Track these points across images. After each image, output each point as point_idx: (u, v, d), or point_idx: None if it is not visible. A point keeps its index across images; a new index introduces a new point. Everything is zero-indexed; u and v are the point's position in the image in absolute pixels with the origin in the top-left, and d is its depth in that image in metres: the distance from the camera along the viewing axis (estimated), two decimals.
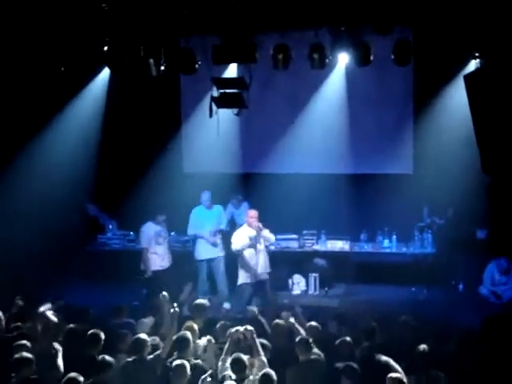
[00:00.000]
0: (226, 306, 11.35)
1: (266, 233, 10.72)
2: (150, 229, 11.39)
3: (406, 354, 7.37)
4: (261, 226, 10.61)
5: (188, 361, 7.20)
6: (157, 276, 11.26)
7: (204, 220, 11.57)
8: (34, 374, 6.93)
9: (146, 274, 11.33)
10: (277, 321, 8.38)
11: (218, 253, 11.58)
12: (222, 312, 10.92)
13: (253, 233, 10.63)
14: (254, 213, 10.74)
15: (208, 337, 7.88)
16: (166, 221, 11.44)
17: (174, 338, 7.47)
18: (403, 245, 12.51)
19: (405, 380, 6.64)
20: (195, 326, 8.03)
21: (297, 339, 7.53)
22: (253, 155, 13.39)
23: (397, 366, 6.99)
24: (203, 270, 11.62)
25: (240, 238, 10.65)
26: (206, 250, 11.59)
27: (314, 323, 8.32)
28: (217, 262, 11.58)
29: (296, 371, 7.27)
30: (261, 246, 10.70)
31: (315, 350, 7.46)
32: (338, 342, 7.67)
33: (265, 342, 7.69)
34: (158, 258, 11.38)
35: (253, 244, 10.62)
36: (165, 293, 8.38)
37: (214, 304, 11.22)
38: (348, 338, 7.67)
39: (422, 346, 7.33)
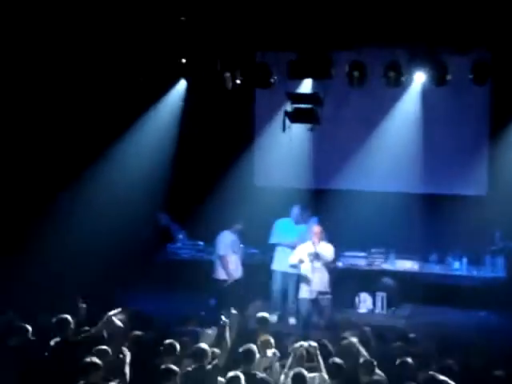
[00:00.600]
0: (292, 321, 11.32)
1: (322, 248, 10.61)
2: (226, 237, 11.49)
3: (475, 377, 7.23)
4: (317, 242, 10.56)
5: (253, 374, 7.23)
6: (233, 286, 11.33)
7: (289, 232, 11.51)
8: (101, 380, 7.00)
9: (227, 282, 11.40)
10: (346, 341, 8.30)
11: (294, 269, 11.27)
12: (287, 326, 10.90)
13: (312, 249, 10.62)
14: (316, 228, 10.73)
15: (273, 350, 7.88)
16: (241, 231, 11.50)
17: (241, 350, 7.49)
18: (474, 268, 12.28)
19: None
20: (271, 340, 8.02)
21: (361, 360, 7.45)
22: (324, 171, 13.38)
23: None
24: (277, 281, 11.50)
25: (297, 254, 10.67)
26: (284, 262, 11.40)
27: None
28: (291, 277, 11.38)
29: None
30: (317, 264, 10.62)
31: (378, 371, 7.38)
32: (398, 362, 7.57)
33: (338, 360, 7.65)
34: (235, 267, 11.46)
35: (310, 260, 10.56)
36: (233, 311, 8.34)
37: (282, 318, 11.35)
38: (410, 360, 7.56)
39: (498, 372, 7.18)
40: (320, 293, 10.66)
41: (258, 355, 7.48)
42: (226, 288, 11.40)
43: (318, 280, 10.63)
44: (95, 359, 7.06)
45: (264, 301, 11.69)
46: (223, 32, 9.86)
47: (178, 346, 7.66)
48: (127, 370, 7.15)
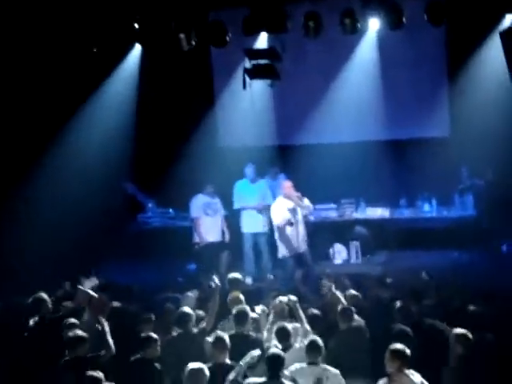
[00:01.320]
0: (270, 277, 11.31)
1: (306, 201, 10.62)
2: (198, 200, 11.40)
3: (454, 316, 7.32)
4: (300, 194, 10.53)
5: (246, 335, 7.25)
6: (206, 249, 11.27)
7: (248, 193, 11.49)
8: (87, 353, 6.97)
9: (198, 244, 11.34)
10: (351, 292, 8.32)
11: (264, 227, 11.42)
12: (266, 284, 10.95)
13: (290, 204, 10.52)
14: (289, 183, 10.67)
15: (261, 306, 7.90)
16: (216, 192, 11.43)
17: (234, 312, 7.49)
18: (444, 208, 12.42)
19: (470, 336, 6.64)
20: (241, 297, 8.05)
21: (339, 308, 7.49)
22: (287, 127, 13.33)
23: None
24: (248, 244, 11.50)
25: (280, 212, 10.53)
26: (251, 224, 11.46)
27: (353, 292, 8.27)
28: (262, 236, 11.44)
29: (337, 340, 7.25)
30: (298, 217, 10.58)
31: (356, 317, 7.45)
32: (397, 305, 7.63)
33: (316, 311, 7.72)
34: (207, 231, 11.37)
35: (291, 215, 10.50)
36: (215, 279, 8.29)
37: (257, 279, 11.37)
38: (398, 303, 7.65)
39: (471, 308, 7.28)
40: (304, 245, 10.65)
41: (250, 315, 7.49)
42: (200, 250, 11.35)
43: (302, 233, 10.61)
44: (80, 332, 7.03)
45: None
46: None
47: (153, 316, 7.67)
48: (110, 339, 7.12)
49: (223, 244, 11.50)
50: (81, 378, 6.58)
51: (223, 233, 11.52)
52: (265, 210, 11.29)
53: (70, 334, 7.05)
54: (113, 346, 7.09)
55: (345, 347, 7.14)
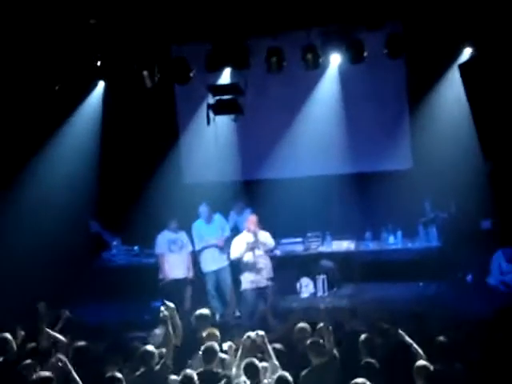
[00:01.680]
0: (237, 313, 11.30)
1: (263, 236, 10.61)
2: (163, 236, 11.39)
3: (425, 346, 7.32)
4: (257, 230, 10.53)
5: (216, 373, 7.20)
6: (170, 285, 11.20)
7: (206, 232, 11.49)
8: None
9: (162, 280, 11.27)
10: (301, 325, 8.27)
11: (225, 261, 11.45)
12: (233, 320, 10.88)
13: (251, 239, 10.56)
14: (252, 218, 10.71)
15: (229, 343, 7.84)
16: (180, 228, 11.40)
17: (202, 348, 7.42)
18: (409, 240, 12.46)
19: (431, 368, 6.63)
20: (216, 332, 7.98)
21: (308, 342, 7.43)
22: (252, 162, 13.35)
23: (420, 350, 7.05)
24: (210, 282, 11.49)
25: (237, 246, 10.61)
26: (213, 261, 11.46)
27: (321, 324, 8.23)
28: (223, 272, 11.46)
29: (310, 375, 7.17)
30: (259, 252, 10.60)
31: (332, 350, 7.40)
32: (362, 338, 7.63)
33: (278, 346, 7.66)
34: (171, 267, 11.31)
35: (251, 250, 10.53)
36: (168, 303, 8.23)
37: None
38: (363, 336, 7.65)
39: (440, 338, 7.30)
40: (267, 279, 10.61)
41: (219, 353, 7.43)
42: (164, 287, 11.26)
43: (263, 267, 10.60)
44: (46, 373, 6.91)
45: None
46: (136, 30, 9.72)
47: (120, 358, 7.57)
48: (76, 376, 7.00)
49: (187, 280, 11.44)
50: None
51: (188, 269, 11.45)
52: (226, 244, 11.35)
53: (36, 375, 6.95)
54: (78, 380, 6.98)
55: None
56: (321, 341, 7.40)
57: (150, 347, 7.56)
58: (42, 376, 6.88)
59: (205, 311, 8.77)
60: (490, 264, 11.65)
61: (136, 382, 7.27)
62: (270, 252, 10.98)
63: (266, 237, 10.70)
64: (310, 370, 7.19)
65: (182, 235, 11.48)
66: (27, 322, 9.17)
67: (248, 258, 10.57)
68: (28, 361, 7.43)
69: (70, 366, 7.06)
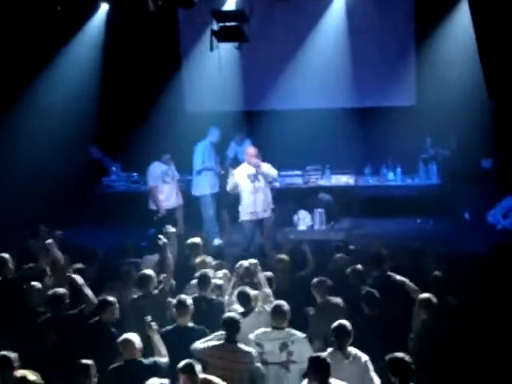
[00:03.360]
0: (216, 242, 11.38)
1: (266, 168, 10.44)
2: (156, 168, 11.30)
3: (420, 281, 7.37)
4: (259, 162, 10.42)
5: (210, 299, 7.30)
6: (165, 216, 11.15)
7: (210, 155, 11.60)
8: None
9: (158, 213, 11.27)
10: (281, 256, 8.40)
11: (217, 188, 11.64)
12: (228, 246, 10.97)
13: (251, 170, 10.40)
14: (252, 150, 10.54)
15: (224, 271, 7.88)
16: (172, 160, 11.32)
17: (197, 275, 7.52)
18: (408, 177, 12.49)
19: (434, 300, 6.68)
20: (208, 259, 8.04)
21: (314, 281, 7.41)
22: (254, 92, 13.21)
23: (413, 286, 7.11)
24: (209, 205, 11.58)
25: (236, 178, 10.46)
26: (211, 185, 11.59)
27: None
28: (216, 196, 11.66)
29: (319, 313, 7.23)
30: (260, 184, 10.40)
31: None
32: (348, 270, 7.70)
33: (269, 274, 7.72)
34: (166, 198, 11.29)
35: (252, 181, 10.42)
36: (169, 229, 8.25)
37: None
38: (359, 266, 7.70)
39: (436, 272, 7.34)
40: (265, 211, 10.61)
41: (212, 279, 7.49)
42: (159, 218, 11.29)
43: (262, 200, 10.48)
44: (61, 290, 7.06)
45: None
46: None
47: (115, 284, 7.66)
48: (89, 291, 7.12)
49: (179, 209, 11.46)
50: (65, 336, 6.72)
51: (178, 197, 11.48)
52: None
53: (52, 292, 7.06)
54: (94, 298, 7.08)
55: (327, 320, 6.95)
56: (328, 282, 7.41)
57: (147, 271, 7.61)
58: (57, 293, 7.03)
59: (196, 239, 8.80)
60: (488, 203, 11.67)
61: (133, 305, 7.37)
62: (272, 183, 10.92)
63: (267, 167, 10.56)
64: (318, 308, 7.26)
65: (172, 166, 11.41)
66: (25, 243, 9.32)
67: (248, 189, 10.41)
68: (33, 282, 7.49)
69: (81, 282, 7.15)
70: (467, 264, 7.92)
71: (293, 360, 6.40)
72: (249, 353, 6.30)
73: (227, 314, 6.50)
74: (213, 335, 6.53)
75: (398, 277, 7.49)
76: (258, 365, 6.34)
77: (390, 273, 7.62)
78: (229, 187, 10.56)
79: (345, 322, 6.26)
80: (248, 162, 10.51)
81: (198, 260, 8.09)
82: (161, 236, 7.96)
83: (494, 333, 6.65)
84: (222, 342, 6.35)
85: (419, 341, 6.59)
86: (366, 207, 12.09)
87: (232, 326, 6.35)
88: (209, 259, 8.13)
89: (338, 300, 7.24)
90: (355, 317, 6.75)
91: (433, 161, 12.37)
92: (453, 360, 6.35)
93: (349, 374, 5.91)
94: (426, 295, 6.78)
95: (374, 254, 8.13)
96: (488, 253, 8.75)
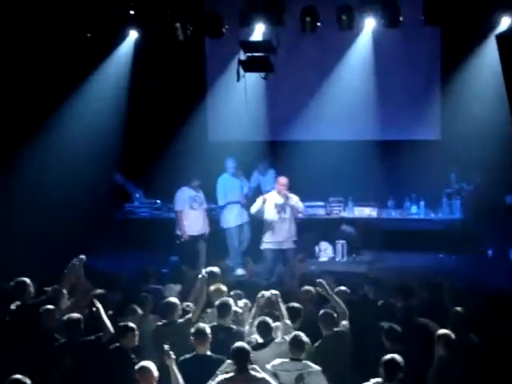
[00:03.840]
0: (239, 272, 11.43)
1: (294, 201, 10.59)
2: (184, 193, 11.38)
3: (440, 317, 7.29)
4: (288, 194, 10.50)
5: (228, 327, 7.24)
6: (188, 242, 11.24)
7: (231, 187, 11.57)
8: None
9: (181, 238, 11.31)
10: (307, 287, 8.32)
11: (246, 218, 11.59)
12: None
13: (280, 200, 10.55)
14: (283, 180, 10.63)
15: (244, 300, 7.85)
16: (201, 186, 11.41)
17: (217, 303, 7.46)
18: (431, 211, 12.42)
19: (453, 336, 6.61)
20: (224, 288, 8.02)
21: (320, 312, 7.37)
22: (279, 122, 13.26)
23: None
24: (235, 238, 11.61)
25: (258, 202, 10.57)
26: (236, 217, 11.58)
27: (343, 288, 8.22)
28: (245, 227, 11.67)
29: (321, 346, 7.14)
30: (285, 215, 10.57)
31: (343, 322, 7.37)
32: (380, 303, 7.63)
33: (296, 304, 7.68)
34: (191, 224, 11.33)
35: (278, 212, 10.50)
36: (213, 269, 8.26)
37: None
38: (390, 300, 7.65)
39: (457, 308, 7.26)
40: (288, 242, 10.59)
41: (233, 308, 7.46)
42: (181, 244, 11.31)
43: (287, 230, 10.59)
44: (75, 315, 7.09)
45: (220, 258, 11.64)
46: None
47: (138, 309, 7.60)
48: (107, 320, 7.10)
49: (203, 236, 11.49)
50: (79, 363, 6.67)
51: (204, 225, 11.52)
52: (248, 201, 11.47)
53: (67, 316, 7.08)
54: (111, 327, 7.07)
55: (329, 353, 7.04)
56: (334, 314, 7.35)
57: (173, 299, 7.62)
58: (72, 318, 7.04)
59: (215, 268, 8.74)
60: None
61: (155, 332, 7.36)
62: (297, 216, 10.90)
63: (296, 200, 10.66)
64: (322, 341, 7.15)
65: (201, 193, 11.49)
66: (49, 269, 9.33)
67: (273, 218, 10.54)
68: (49, 306, 7.48)
69: (101, 309, 7.16)
70: (489, 301, 7.80)
71: None
72: (262, 379, 6.22)
73: (236, 344, 6.38)
74: (222, 367, 6.44)
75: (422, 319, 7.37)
76: None
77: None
78: (254, 209, 10.62)
79: (396, 355, 6.18)
80: (278, 191, 10.60)
81: (212, 288, 8.06)
82: (203, 271, 7.98)
83: None
84: (232, 374, 6.23)
85: (436, 377, 6.48)
86: (388, 240, 11.99)
87: (242, 356, 6.25)
88: (224, 288, 8.09)
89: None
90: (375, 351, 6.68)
91: (457, 195, 12.32)
92: None
93: None
94: (444, 331, 6.71)
95: (401, 285, 8.05)
96: (510, 291, 8.65)
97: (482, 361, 6.63)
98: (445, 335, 6.66)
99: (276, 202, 10.55)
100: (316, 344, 7.11)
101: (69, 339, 7.02)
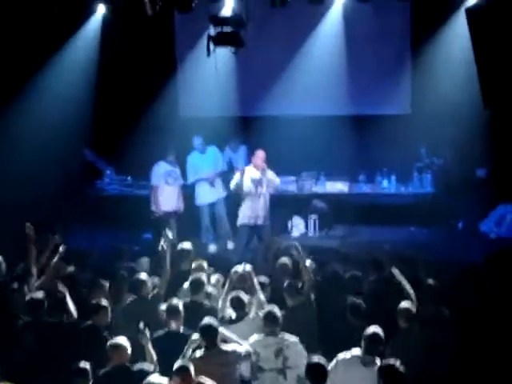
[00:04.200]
0: (230, 245, 11.39)
1: (270, 175, 10.52)
2: (160, 167, 11.29)
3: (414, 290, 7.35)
4: (265, 168, 10.45)
5: (200, 303, 7.26)
6: (162, 218, 11.18)
7: (201, 164, 11.43)
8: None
9: (155, 214, 11.25)
10: (283, 259, 8.32)
11: (220, 195, 11.48)
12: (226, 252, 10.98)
13: (256, 174, 10.42)
14: (261, 154, 10.50)
15: (216, 276, 7.85)
16: (177, 162, 11.32)
17: (190, 279, 7.46)
18: (402, 185, 12.50)
19: (414, 310, 6.66)
20: (204, 264, 8.01)
21: (285, 284, 7.43)
22: (250, 97, 13.20)
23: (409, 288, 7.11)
24: (206, 215, 11.54)
25: (237, 175, 10.45)
26: (207, 194, 11.47)
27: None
28: (218, 205, 11.52)
29: (285, 316, 7.11)
30: (262, 190, 10.47)
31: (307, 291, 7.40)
32: (347, 276, 7.67)
33: (264, 279, 7.69)
34: (166, 199, 11.28)
35: (255, 186, 10.43)
36: (168, 234, 8.13)
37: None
38: (357, 273, 7.69)
39: (430, 281, 7.32)
40: (264, 218, 10.56)
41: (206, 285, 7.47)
42: (157, 219, 11.25)
43: (263, 205, 10.52)
44: (38, 294, 7.03)
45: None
46: None
47: (106, 283, 7.60)
48: (71, 304, 7.07)
49: (176, 213, 11.42)
50: (43, 343, 6.64)
51: (178, 202, 11.44)
52: (219, 177, 11.43)
53: (29, 296, 7.01)
54: (74, 311, 7.04)
55: (292, 324, 7.03)
56: (299, 284, 7.41)
57: (142, 275, 7.60)
58: (35, 298, 7.00)
59: (187, 245, 8.74)
60: (481, 212, 11.69)
61: (126, 309, 7.34)
62: (273, 191, 10.81)
63: (272, 175, 10.59)
64: (286, 311, 7.17)
65: (178, 168, 11.41)
66: (17, 244, 9.23)
67: (250, 193, 10.44)
68: (16, 285, 7.45)
69: (66, 293, 7.13)
70: (459, 274, 7.89)
71: (288, 366, 6.41)
72: (232, 352, 6.30)
73: (203, 321, 6.39)
74: (190, 343, 6.42)
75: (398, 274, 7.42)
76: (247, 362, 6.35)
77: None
78: (233, 184, 10.49)
79: (378, 329, 6.24)
80: (255, 164, 10.47)
81: (194, 265, 8.04)
82: (162, 243, 7.82)
83: (488, 343, 6.64)
84: (202, 351, 6.28)
85: (393, 348, 6.46)
86: (359, 214, 12.03)
87: (210, 332, 6.31)
88: (205, 264, 8.08)
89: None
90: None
91: (427, 169, 12.40)
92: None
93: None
94: (405, 305, 6.75)
95: (372, 259, 8.09)
96: (481, 263, 8.73)
97: (452, 332, 6.70)
98: (406, 309, 6.70)
99: (252, 177, 10.41)
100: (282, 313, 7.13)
101: (33, 319, 6.96)
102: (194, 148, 11.48)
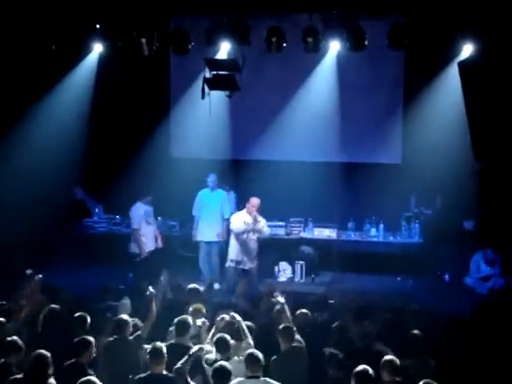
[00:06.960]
0: (216, 286, 11.37)
1: (260, 225, 10.83)
2: (139, 209, 11.30)
3: (397, 340, 7.31)
4: (257, 216, 10.70)
5: (187, 346, 7.13)
6: (144, 259, 11.17)
7: (207, 202, 11.66)
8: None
9: (140, 255, 11.22)
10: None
11: (217, 237, 11.67)
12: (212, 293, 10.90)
13: (249, 220, 10.74)
14: (256, 201, 10.83)
15: (202, 319, 7.80)
16: (153, 202, 11.36)
17: (176, 321, 7.41)
18: (390, 234, 12.51)
19: (398, 363, 6.60)
20: (203, 309, 7.95)
21: (280, 327, 7.39)
22: (241, 141, 13.27)
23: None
24: (203, 251, 11.70)
25: (239, 220, 10.76)
26: (206, 233, 11.65)
27: (304, 310, 8.20)
28: (214, 246, 11.69)
29: (278, 361, 7.12)
30: (253, 236, 10.82)
31: (298, 337, 7.37)
32: (334, 326, 7.62)
33: (249, 323, 7.67)
34: (148, 240, 11.29)
35: (247, 232, 10.69)
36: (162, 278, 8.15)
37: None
38: (337, 323, 7.64)
39: (415, 331, 7.29)
40: (252, 262, 10.71)
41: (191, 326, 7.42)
42: (140, 261, 11.22)
43: (252, 251, 10.80)
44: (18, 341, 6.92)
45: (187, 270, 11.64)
46: None
47: (88, 319, 7.57)
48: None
49: (158, 250, 11.46)
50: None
51: (157, 239, 11.50)
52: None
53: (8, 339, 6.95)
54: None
55: (285, 369, 7.02)
56: (294, 328, 7.37)
57: (125, 316, 7.56)
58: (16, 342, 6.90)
59: (196, 286, 8.77)
60: (469, 264, 11.68)
61: (107, 348, 7.26)
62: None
63: (263, 225, 10.89)
64: (279, 355, 7.13)
65: (152, 207, 11.46)
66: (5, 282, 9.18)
67: (240, 238, 10.74)
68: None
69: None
70: (444, 325, 7.85)
71: None
72: None
73: (218, 363, 6.41)
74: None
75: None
76: None
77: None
78: (234, 228, 10.78)
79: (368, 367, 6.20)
80: (249, 211, 10.72)
81: (191, 308, 7.95)
82: (150, 288, 7.84)
83: None
84: None
85: None
86: (347, 262, 12.04)
87: (224, 376, 6.31)
88: (203, 309, 8.00)
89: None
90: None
91: (416, 219, 12.44)
92: None
93: None
94: (389, 357, 6.63)
95: (356, 308, 8.06)
96: (467, 315, 8.71)
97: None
98: (390, 361, 6.55)
99: (245, 221, 10.75)
100: (274, 357, 7.08)
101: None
102: (206, 185, 11.65)
